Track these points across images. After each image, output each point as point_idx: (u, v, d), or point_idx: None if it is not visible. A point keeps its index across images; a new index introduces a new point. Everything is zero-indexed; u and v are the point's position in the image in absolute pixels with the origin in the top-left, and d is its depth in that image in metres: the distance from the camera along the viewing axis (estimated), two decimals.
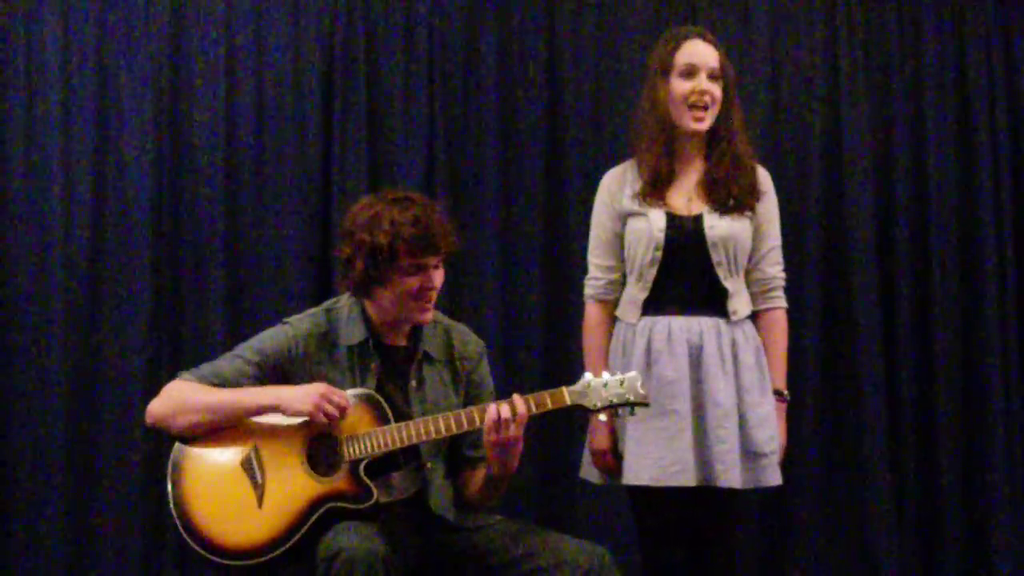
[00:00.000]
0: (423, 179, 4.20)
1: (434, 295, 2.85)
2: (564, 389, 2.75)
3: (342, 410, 2.75)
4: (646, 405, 2.77)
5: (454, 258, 2.92)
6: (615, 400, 2.74)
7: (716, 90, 3.09)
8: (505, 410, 2.69)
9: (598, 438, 3.13)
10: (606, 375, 2.77)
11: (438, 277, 2.85)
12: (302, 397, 2.74)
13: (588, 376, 2.77)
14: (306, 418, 2.75)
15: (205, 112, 4.22)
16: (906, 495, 4.21)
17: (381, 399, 2.81)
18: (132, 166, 4.20)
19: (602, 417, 2.81)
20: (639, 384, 2.75)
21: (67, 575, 4.10)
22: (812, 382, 4.17)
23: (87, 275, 4.17)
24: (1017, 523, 4.19)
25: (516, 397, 2.72)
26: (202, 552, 2.71)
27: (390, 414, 2.79)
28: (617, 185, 3.18)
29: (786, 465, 3.14)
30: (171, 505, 2.75)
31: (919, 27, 4.33)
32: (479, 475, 2.90)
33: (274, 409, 2.77)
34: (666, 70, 3.12)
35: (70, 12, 4.22)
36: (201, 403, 2.78)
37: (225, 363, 2.87)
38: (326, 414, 2.73)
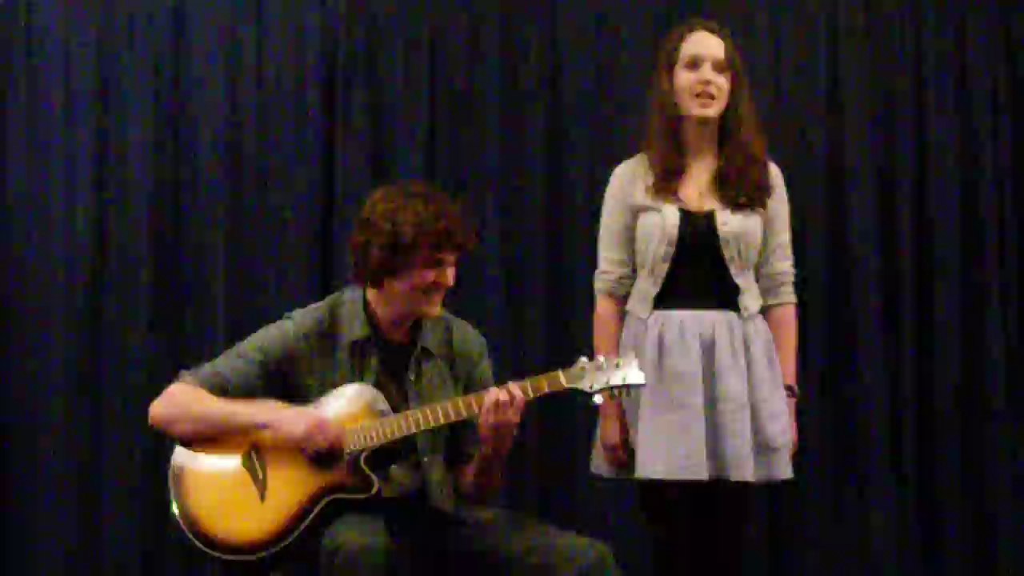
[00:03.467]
0: (424, 176, 4.19)
1: (445, 291, 2.86)
2: (560, 372, 2.72)
3: (333, 448, 2.73)
4: (642, 386, 2.75)
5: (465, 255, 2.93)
6: (611, 382, 2.71)
7: (722, 81, 3.09)
8: (503, 394, 2.68)
9: (610, 432, 3.12)
10: (601, 358, 2.74)
11: (452, 274, 2.85)
12: (294, 427, 2.72)
13: (583, 359, 2.74)
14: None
15: (207, 110, 4.23)
16: (908, 493, 4.18)
17: (379, 393, 2.81)
18: (134, 165, 4.22)
19: (597, 399, 2.75)
20: (635, 366, 2.72)
21: (69, 573, 4.11)
22: (813, 380, 4.13)
23: (89, 273, 4.19)
24: (1020, 523, 4.16)
25: (512, 384, 2.71)
26: (205, 548, 2.71)
27: (388, 406, 2.79)
28: (629, 179, 3.18)
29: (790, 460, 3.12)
30: (173, 503, 2.75)
31: (920, 25, 4.31)
32: (468, 472, 2.90)
33: (266, 428, 2.75)
34: (671, 62, 3.14)
35: (71, 10, 4.24)
36: (199, 413, 2.78)
37: (227, 363, 2.86)
38: (315, 445, 2.72)
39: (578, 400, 2.76)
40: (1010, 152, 4.29)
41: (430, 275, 2.81)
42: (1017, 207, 4.28)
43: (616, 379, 2.71)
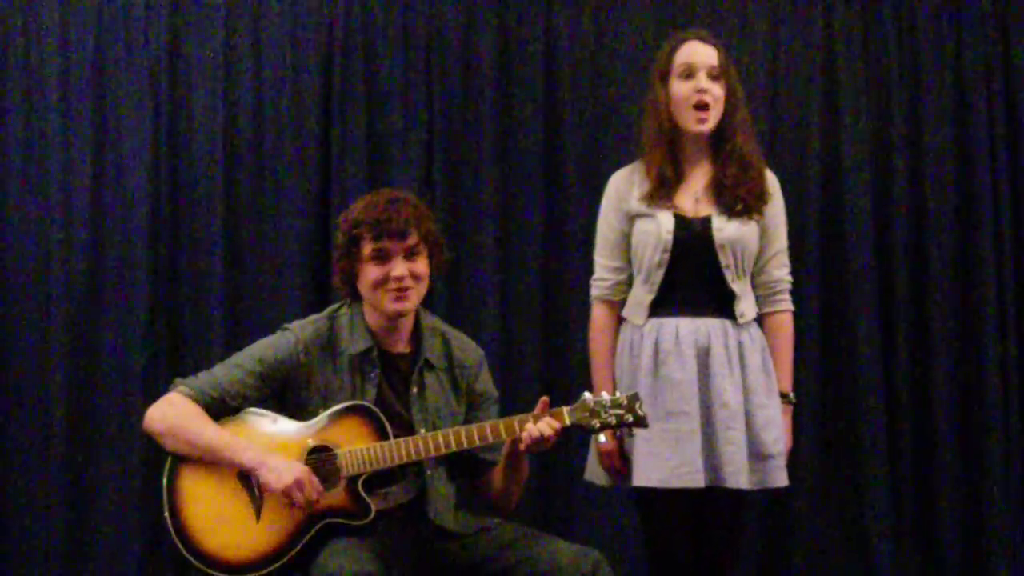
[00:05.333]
0: (422, 180, 4.19)
1: (407, 285, 2.80)
2: (564, 409, 2.74)
3: (309, 503, 2.69)
4: (645, 426, 2.77)
5: (436, 252, 2.89)
6: (614, 421, 2.73)
7: (717, 89, 3.08)
8: (545, 428, 2.69)
9: (605, 440, 3.11)
10: (605, 395, 2.76)
11: (402, 267, 2.80)
12: (279, 476, 2.68)
13: (587, 396, 2.76)
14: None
15: (204, 113, 4.22)
16: (905, 496, 4.20)
17: (379, 412, 2.79)
18: (131, 167, 4.21)
19: (602, 438, 2.80)
20: (638, 405, 2.75)
21: None
22: (811, 383, 4.15)
23: (86, 276, 4.18)
24: (1015, 525, 4.18)
25: (530, 425, 2.71)
26: (198, 564, 2.71)
27: (388, 428, 2.77)
28: (625, 186, 3.17)
29: (787, 466, 3.12)
30: (167, 516, 2.74)
31: (916, 28, 4.30)
32: (497, 475, 2.91)
33: (252, 474, 2.72)
34: (665, 73, 3.12)
35: (69, 10, 4.22)
36: (191, 437, 2.76)
37: (224, 372, 2.84)
38: (293, 501, 2.69)
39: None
40: (1006, 155, 4.27)
41: (378, 271, 2.79)
42: (1015, 210, 4.27)
43: (618, 418, 2.74)
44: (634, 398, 2.75)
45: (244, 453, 2.74)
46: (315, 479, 2.71)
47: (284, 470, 2.70)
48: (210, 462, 2.75)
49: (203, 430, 2.76)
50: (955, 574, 4.18)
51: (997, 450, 4.18)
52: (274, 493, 2.69)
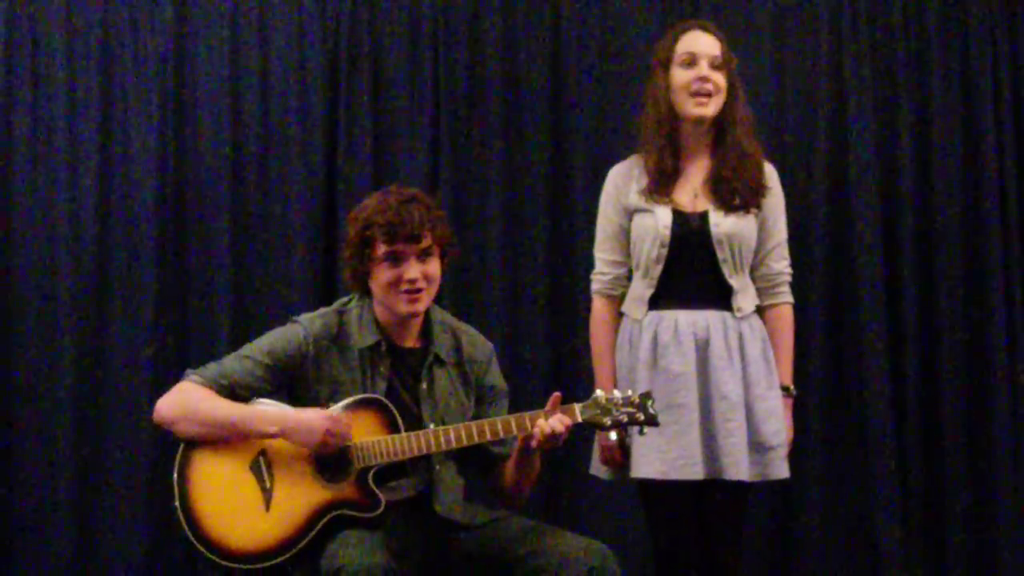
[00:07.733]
0: (428, 178, 4.20)
1: (420, 287, 2.81)
2: (576, 406, 2.75)
3: (344, 439, 2.74)
4: (656, 425, 2.78)
5: (448, 252, 2.90)
6: (625, 419, 2.75)
7: (719, 78, 3.08)
8: (557, 424, 2.70)
9: (606, 433, 3.13)
10: (617, 393, 2.78)
11: (415, 269, 2.80)
12: (307, 430, 2.72)
13: (599, 393, 2.77)
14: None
15: (210, 108, 4.23)
16: (911, 489, 4.20)
17: (391, 405, 2.80)
18: (137, 164, 4.22)
19: (612, 436, 2.82)
20: (650, 404, 2.76)
21: (73, 573, 4.13)
22: (817, 378, 4.16)
23: (93, 272, 4.19)
24: (1022, 517, 4.17)
25: (541, 421, 2.72)
26: (207, 553, 2.72)
27: (400, 421, 2.79)
28: (624, 180, 3.18)
29: (791, 459, 3.14)
30: (177, 505, 2.74)
31: (924, 24, 4.30)
32: (508, 470, 2.91)
33: (278, 437, 2.75)
34: (667, 62, 3.12)
35: (74, 10, 4.23)
36: (207, 415, 2.76)
37: (234, 363, 2.84)
38: (329, 449, 2.72)
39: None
40: (1014, 155, 4.28)
41: (390, 272, 2.80)
42: (1020, 208, 4.27)
43: (630, 416, 2.75)
44: (646, 396, 2.77)
45: (265, 423, 2.76)
46: (341, 418, 2.75)
47: (311, 426, 2.72)
48: (228, 438, 2.76)
49: (220, 406, 2.78)
50: (963, 565, 4.18)
51: (1005, 440, 4.18)
52: (313, 449, 2.72)
